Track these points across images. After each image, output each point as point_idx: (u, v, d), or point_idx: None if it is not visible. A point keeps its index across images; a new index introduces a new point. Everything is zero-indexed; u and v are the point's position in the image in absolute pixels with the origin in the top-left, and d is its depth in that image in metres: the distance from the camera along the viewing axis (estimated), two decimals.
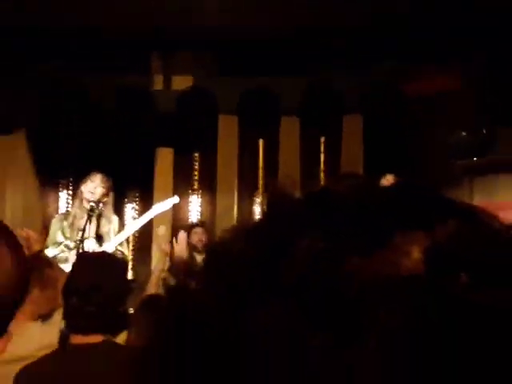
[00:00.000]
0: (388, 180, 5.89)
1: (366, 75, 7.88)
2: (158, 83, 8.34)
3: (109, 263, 3.31)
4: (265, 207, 0.70)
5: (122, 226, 6.86)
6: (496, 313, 0.49)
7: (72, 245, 5.91)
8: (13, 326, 1.19)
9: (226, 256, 0.56)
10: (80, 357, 2.80)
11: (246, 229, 0.58)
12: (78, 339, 2.87)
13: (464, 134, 7.34)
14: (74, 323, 2.94)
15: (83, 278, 2.97)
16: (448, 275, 0.49)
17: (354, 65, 7.70)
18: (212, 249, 0.64)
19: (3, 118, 7.97)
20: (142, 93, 8.32)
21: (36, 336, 3.41)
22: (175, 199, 6.60)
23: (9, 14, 6.97)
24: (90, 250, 5.73)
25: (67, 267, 4.76)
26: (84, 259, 3.73)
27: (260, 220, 0.60)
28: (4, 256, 1.13)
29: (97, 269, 3.06)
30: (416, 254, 0.50)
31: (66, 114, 8.29)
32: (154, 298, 4.37)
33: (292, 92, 8.15)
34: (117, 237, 6.19)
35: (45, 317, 3.64)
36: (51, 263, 4.51)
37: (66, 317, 2.99)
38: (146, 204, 8.19)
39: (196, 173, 8.54)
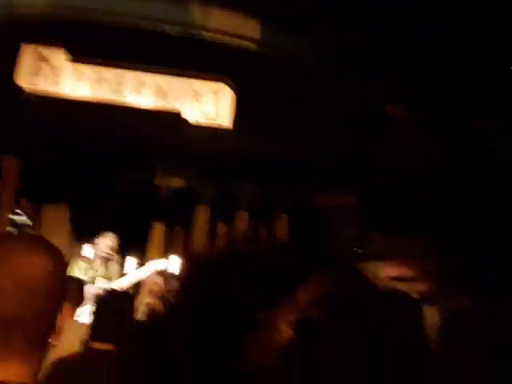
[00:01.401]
0: None
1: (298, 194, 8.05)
2: (162, 181, 8.39)
3: (124, 297, 3.50)
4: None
5: (121, 271, 6.70)
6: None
7: (87, 279, 5.74)
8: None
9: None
10: (98, 359, 2.66)
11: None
12: (97, 345, 2.82)
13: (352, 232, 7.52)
14: (95, 333, 2.86)
15: (108, 306, 2.96)
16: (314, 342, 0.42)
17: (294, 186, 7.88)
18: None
19: (53, 190, 7.91)
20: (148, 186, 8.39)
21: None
22: (164, 263, 6.32)
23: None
24: (100, 286, 5.59)
25: None
26: (109, 294, 3.69)
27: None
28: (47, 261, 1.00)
29: (117, 301, 3.08)
30: (287, 330, 0.43)
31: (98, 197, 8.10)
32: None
33: (246, 195, 8.26)
34: (122, 280, 6.10)
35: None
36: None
37: (91, 327, 2.93)
38: (142, 259, 8.05)
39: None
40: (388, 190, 6.74)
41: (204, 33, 5.42)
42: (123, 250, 7.32)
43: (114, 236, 6.03)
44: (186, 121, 6.33)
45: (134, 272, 6.63)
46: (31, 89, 6.12)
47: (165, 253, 8.09)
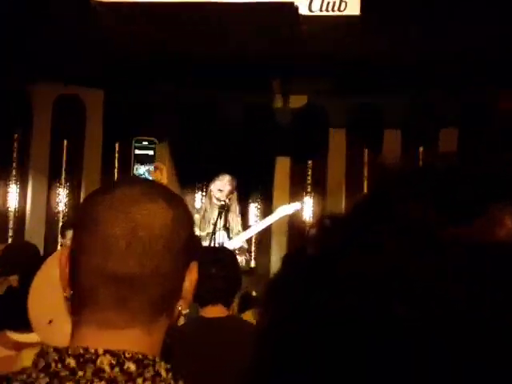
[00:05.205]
0: None
1: (463, 96, 7.21)
2: (278, 102, 7.93)
3: (227, 253, 3.31)
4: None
5: (244, 221, 6.53)
6: None
7: (204, 234, 5.52)
8: None
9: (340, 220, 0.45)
10: (213, 328, 2.68)
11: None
12: (207, 312, 2.70)
13: None
14: (203, 297, 2.72)
15: (210, 265, 2.79)
16: None
17: (451, 87, 7.00)
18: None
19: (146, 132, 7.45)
20: (264, 110, 7.92)
21: None
22: (297, 205, 6.11)
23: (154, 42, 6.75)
24: (221, 241, 5.45)
25: None
26: (208, 250, 3.80)
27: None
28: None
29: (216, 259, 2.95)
30: (510, 224, 0.40)
31: (202, 129, 7.95)
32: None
33: (394, 108, 7.53)
34: (245, 233, 5.84)
35: None
36: None
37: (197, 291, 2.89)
38: (266, 204, 7.91)
39: (309, 178, 8.04)
40: None
41: None
42: (243, 196, 7.03)
43: (231, 177, 5.65)
44: (302, 15, 5.79)
45: (260, 223, 6.32)
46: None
47: (294, 194, 7.83)
